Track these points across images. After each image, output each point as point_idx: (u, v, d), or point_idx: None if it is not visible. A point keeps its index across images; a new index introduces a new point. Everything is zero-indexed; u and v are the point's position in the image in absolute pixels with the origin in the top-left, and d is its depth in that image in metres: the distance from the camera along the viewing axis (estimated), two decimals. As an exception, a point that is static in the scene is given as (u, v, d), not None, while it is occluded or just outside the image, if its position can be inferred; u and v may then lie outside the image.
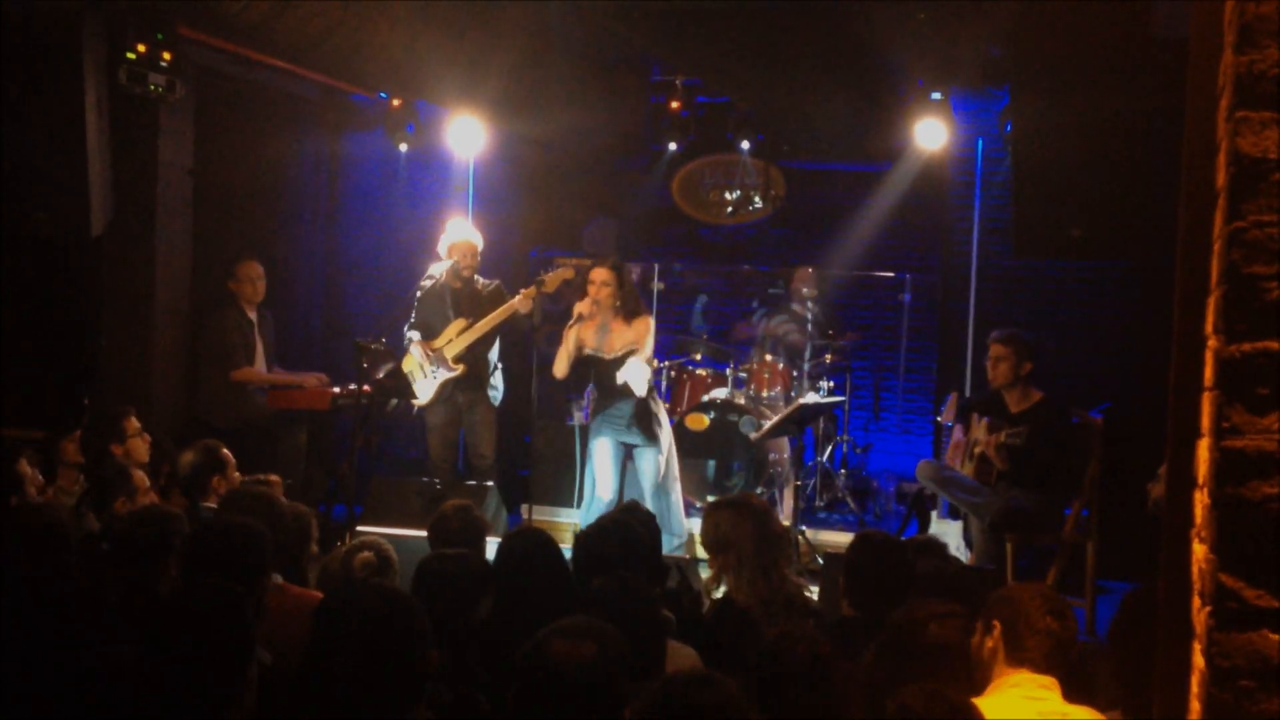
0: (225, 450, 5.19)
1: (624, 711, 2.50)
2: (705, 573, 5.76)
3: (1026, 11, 4.93)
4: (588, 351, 6.66)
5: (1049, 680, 2.95)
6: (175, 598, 3.00)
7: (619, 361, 6.61)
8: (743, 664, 2.99)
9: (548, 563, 3.66)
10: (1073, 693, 3.01)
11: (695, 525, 7.18)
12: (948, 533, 6.82)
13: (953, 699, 2.48)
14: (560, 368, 6.64)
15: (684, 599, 4.31)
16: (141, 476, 5.13)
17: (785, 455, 7.76)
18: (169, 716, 2.62)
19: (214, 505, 4.78)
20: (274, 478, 5.26)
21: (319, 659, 2.68)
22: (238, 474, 5.17)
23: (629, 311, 6.63)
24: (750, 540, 4.06)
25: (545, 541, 3.79)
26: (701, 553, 6.41)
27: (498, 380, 7.33)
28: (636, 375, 6.52)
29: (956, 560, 4.86)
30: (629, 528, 4.05)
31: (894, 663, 2.97)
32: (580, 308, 6.58)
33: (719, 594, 4.30)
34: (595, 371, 6.75)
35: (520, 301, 6.91)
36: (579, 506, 6.97)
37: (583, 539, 4.00)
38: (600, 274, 6.61)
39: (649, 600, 3.15)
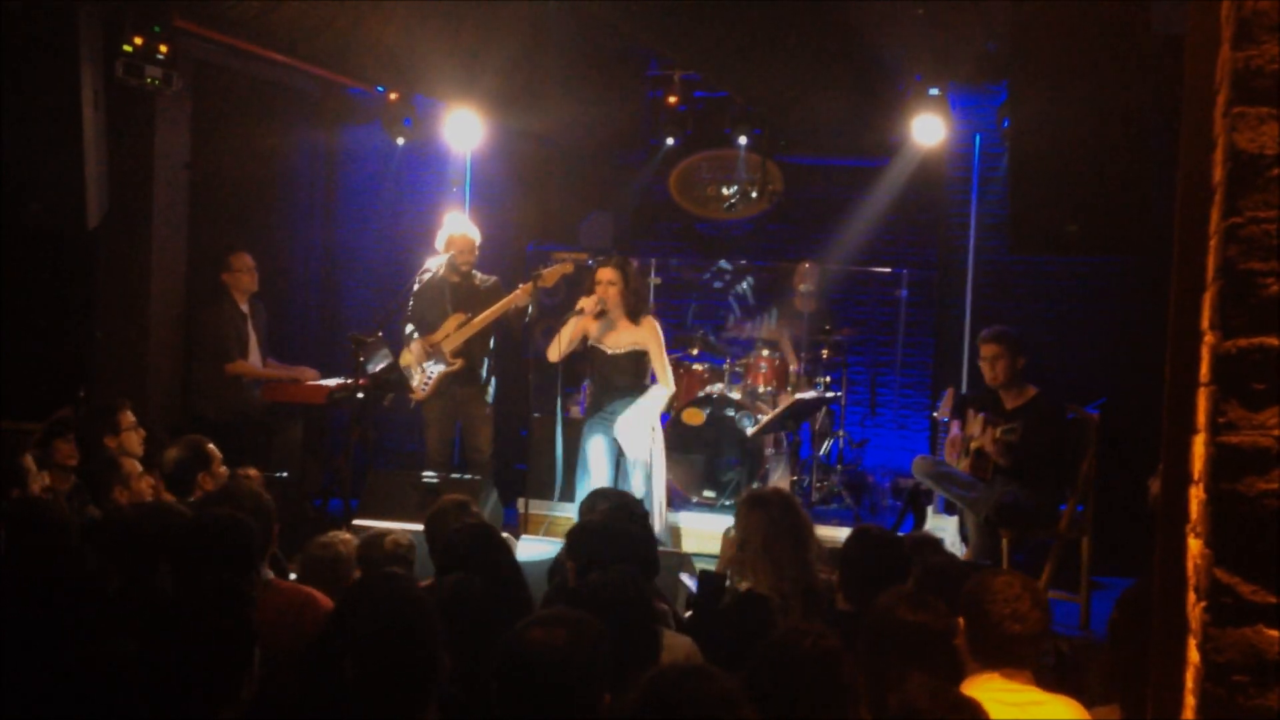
0: (211, 446, 5.16)
1: (604, 698, 2.52)
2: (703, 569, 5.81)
3: (1024, 7, 4.92)
4: (591, 343, 6.73)
5: (1021, 673, 2.95)
6: (179, 592, 3.00)
7: (620, 359, 6.68)
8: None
9: (494, 558, 3.66)
10: (1060, 687, 3.01)
11: (684, 520, 7.24)
12: (943, 528, 6.83)
13: (955, 694, 2.48)
14: (553, 352, 6.69)
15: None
16: (133, 464, 5.12)
17: (782, 450, 7.77)
18: (169, 710, 2.62)
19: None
20: (252, 471, 5.25)
21: (333, 657, 2.68)
22: (224, 469, 5.15)
23: (633, 310, 6.69)
24: (760, 533, 4.08)
25: (491, 537, 3.79)
26: (687, 548, 6.53)
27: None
28: (638, 428, 6.58)
29: (953, 556, 4.86)
30: (622, 525, 4.06)
31: (877, 652, 2.98)
32: (584, 303, 6.61)
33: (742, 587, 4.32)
34: (595, 365, 6.80)
35: (518, 296, 6.92)
36: (559, 499, 7.07)
37: (579, 532, 4.00)
38: (606, 273, 6.67)
39: (642, 593, 3.16)
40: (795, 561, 4.08)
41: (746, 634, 3.61)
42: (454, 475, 6.88)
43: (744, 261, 9.54)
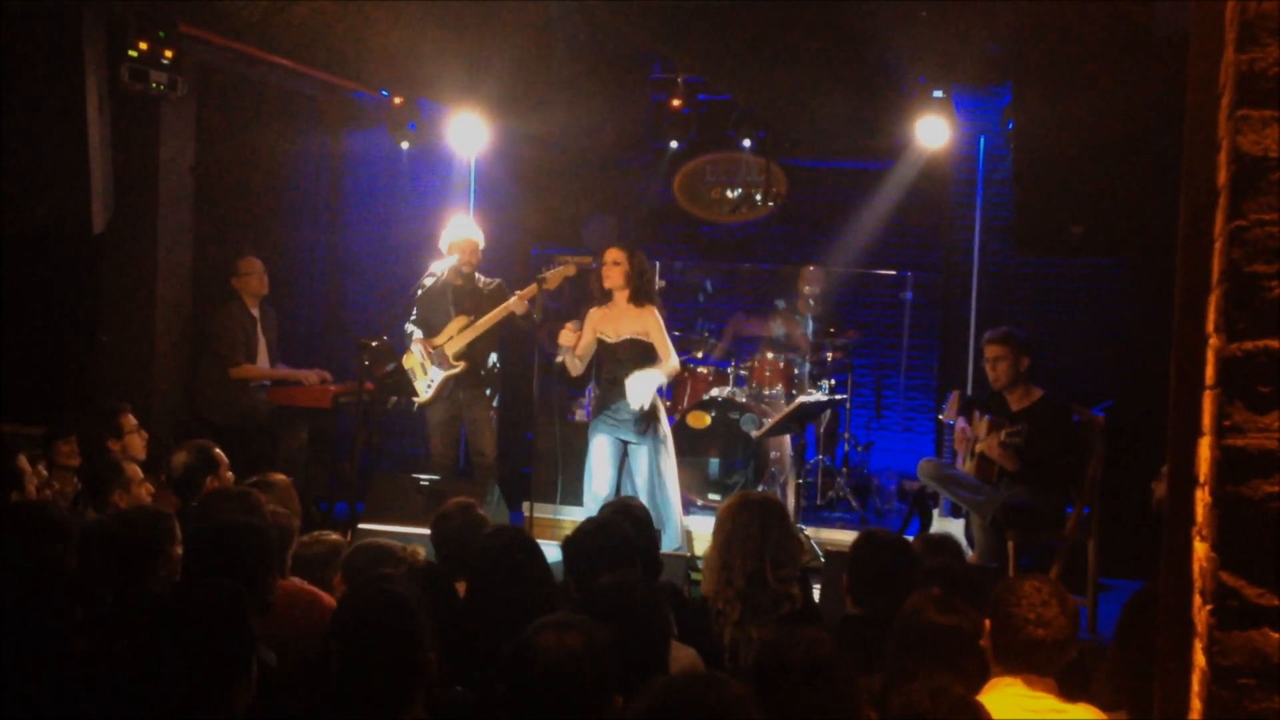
0: (218, 450, 5.15)
1: (615, 701, 2.52)
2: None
3: (1028, 9, 4.93)
4: (596, 336, 6.67)
5: (1044, 680, 2.94)
6: (177, 595, 3.00)
7: (619, 347, 6.58)
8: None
9: (526, 561, 3.66)
10: (1069, 690, 3.01)
11: (694, 523, 7.21)
12: (949, 531, 6.82)
13: (957, 695, 2.48)
14: (574, 368, 6.67)
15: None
16: (135, 469, 5.12)
17: (786, 453, 7.76)
18: (161, 716, 2.61)
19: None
20: (280, 477, 5.23)
21: (324, 660, 2.70)
22: (231, 474, 5.14)
23: (637, 292, 6.62)
24: (719, 535, 4.07)
25: (523, 541, 3.79)
26: (698, 550, 6.48)
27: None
28: (644, 386, 6.50)
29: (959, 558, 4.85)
30: (618, 527, 4.03)
31: (905, 655, 2.98)
32: (564, 338, 6.61)
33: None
34: (599, 358, 6.73)
35: (521, 299, 6.91)
36: (559, 502, 7.07)
37: (570, 541, 3.98)
38: (612, 253, 6.64)
39: (651, 599, 3.15)
40: (744, 571, 4.03)
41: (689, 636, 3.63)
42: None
43: (748, 264, 9.54)
